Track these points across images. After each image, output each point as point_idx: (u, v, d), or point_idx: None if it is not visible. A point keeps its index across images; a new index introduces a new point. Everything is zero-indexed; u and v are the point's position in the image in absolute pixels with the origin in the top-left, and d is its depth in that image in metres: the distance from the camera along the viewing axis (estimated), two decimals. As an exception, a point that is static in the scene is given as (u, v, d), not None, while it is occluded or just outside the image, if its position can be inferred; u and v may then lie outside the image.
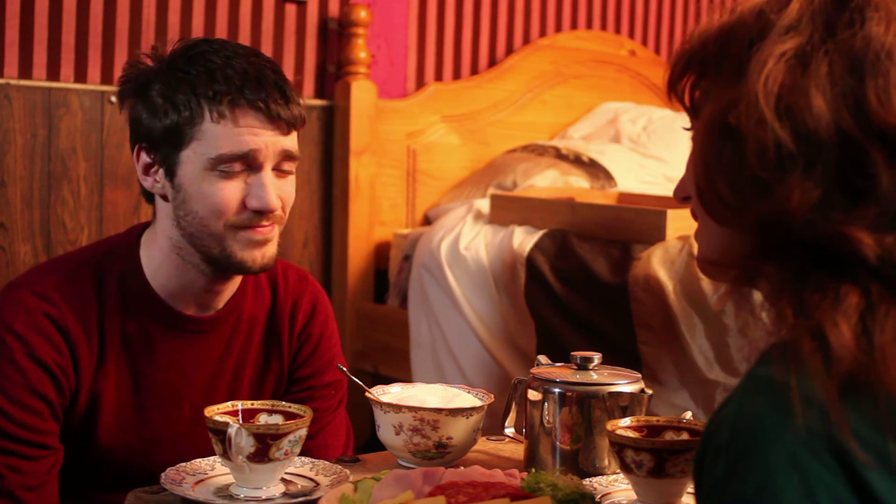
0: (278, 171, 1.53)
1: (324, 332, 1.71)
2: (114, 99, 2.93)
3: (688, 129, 1.04)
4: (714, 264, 1.02)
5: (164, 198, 1.54)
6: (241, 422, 1.32)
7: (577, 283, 2.66)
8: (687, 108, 1.02)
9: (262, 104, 1.49)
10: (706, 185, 0.94)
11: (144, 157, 1.54)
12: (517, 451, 1.56)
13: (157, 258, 1.56)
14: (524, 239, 2.82)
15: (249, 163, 1.50)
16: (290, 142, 1.53)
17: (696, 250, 1.05)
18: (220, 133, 1.48)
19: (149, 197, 1.59)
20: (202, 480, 1.35)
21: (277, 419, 1.36)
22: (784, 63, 0.89)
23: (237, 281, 1.62)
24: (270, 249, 1.55)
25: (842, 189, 0.87)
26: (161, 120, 1.50)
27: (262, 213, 1.51)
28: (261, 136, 1.50)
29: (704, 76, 0.99)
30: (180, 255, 1.55)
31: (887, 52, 0.89)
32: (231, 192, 1.50)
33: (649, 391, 1.43)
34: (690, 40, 1.01)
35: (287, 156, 1.53)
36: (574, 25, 3.91)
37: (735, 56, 0.94)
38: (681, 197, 1.05)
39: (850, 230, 0.86)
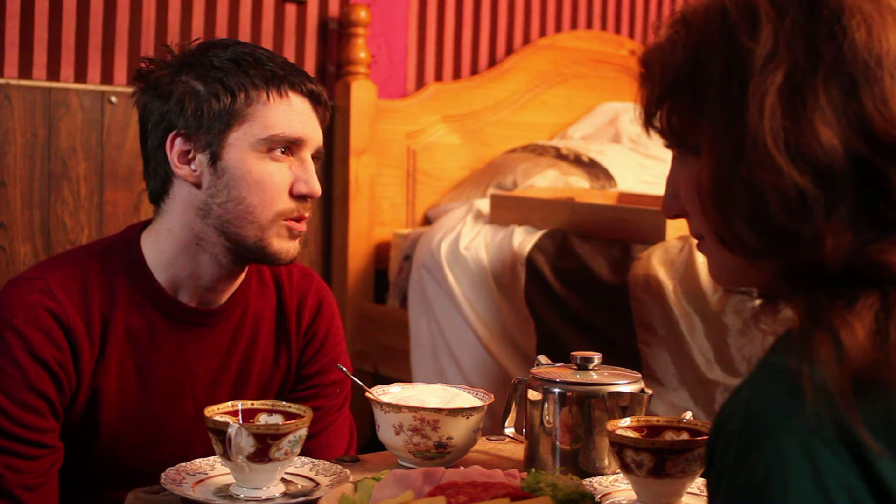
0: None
1: (329, 329, 1.72)
2: (114, 99, 2.93)
3: (668, 148, 1.00)
4: (731, 285, 1.01)
5: (198, 185, 1.53)
6: (241, 422, 1.32)
7: (577, 283, 2.65)
8: (665, 134, 0.98)
9: (314, 90, 1.55)
10: (729, 233, 0.91)
11: (181, 145, 1.52)
12: (517, 451, 1.56)
13: (167, 251, 1.56)
14: (524, 239, 2.82)
15: (295, 149, 1.54)
16: (321, 135, 1.59)
17: (696, 250, 1.04)
18: (275, 113, 1.52)
19: (157, 193, 1.58)
20: (202, 480, 1.35)
21: (277, 419, 1.36)
22: (781, 99, 0.86)
23: (243, 275, 1.62)
24: (298, 243, 1.59)
25: (870, 221, 0.86)
26: (209, 104, 1.50)
27: (306, 201, 1.55)
28: (309, 122, 1.55)
29: (678, 103, 0.95)
30: (201, 245, 1.55)
31: (876, 59, 0.86)
32: (280, 177, 1.53)
33: (649, 391, 1.44)
34: (650, 67, 0.97)
35: (319, 151, 1.58)
36: (574, 25, 3.91)
37: (715, 89, 0.90)
38: (672, 214, 1.02)
39: (885, 257, 0.85)
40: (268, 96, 1.51)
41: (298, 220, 1.55)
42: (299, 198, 1.54)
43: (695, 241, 1.03)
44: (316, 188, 1.55)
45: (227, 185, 1.52)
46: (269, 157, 1.52)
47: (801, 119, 0.86)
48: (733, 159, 0.89)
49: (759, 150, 0.87)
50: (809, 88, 0.86)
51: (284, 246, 1.55)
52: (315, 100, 1.56)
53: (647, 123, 0.99)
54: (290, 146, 1.53)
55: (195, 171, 1.53)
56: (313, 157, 1.57)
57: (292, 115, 1.53)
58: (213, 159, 1.52)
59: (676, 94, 0.96)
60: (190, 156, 1.52)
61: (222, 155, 1.51)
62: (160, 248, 1.56)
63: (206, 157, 1.52)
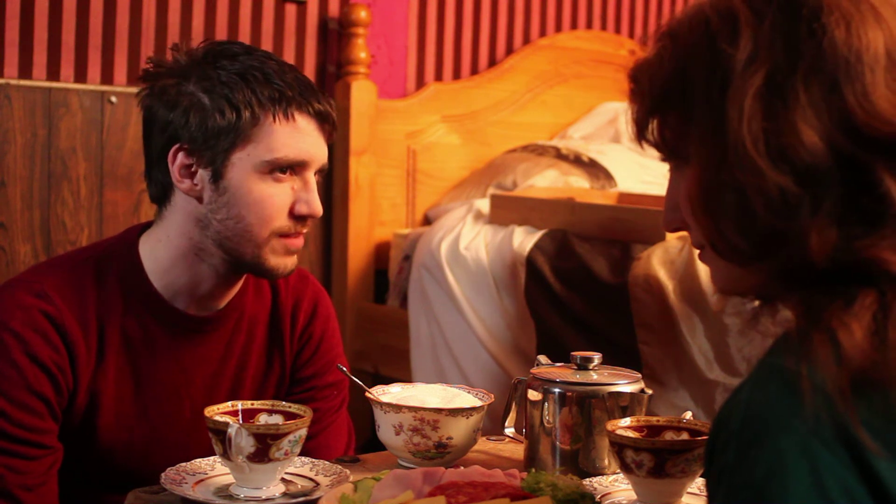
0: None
1: (325, 332, 1.71)
2: (114, 99, 2.93)
3: (664, 161, 1.01)
4: (732, 293, 1.01)
5: (199, 199, 1.52)
6: (241, 422, 1.32)
7: (577, 283, 2.65)
8: (659, 146, 0.99)
9: (321, 111, 1.53)
10: (719, 239, 0.92)
11: (183, 159, 1.51)
12: (517, 451, 1.56)
13: (165, 258, 1.56)
14: (524, 239, 2.82)
15: (298, 169, 1.53)
16: (326, 152, 1.57)
17: (696, 251, 1.04)
18: (280, 136, 1.50)
19: (158, 197, 1.57)
20: (202, 480, 1.35)
21: (277, 419, 1.36)
22: (760, 101, 0.87)
23: (241, 282, 1.62)
24: (295, 257, 1.57)
25: (857, 216, 0.86)
26: (213, 120, 1.48)
27: (305, 220, 1.54)
28: (314, 144, 1.53)
29: (668, 115, 0.97)
30: (199, 255, 1.55)
31: (856, 54, 0.87)
32: (281, 198, 1.52)
33: (649, 391, 1.44)
34: (639, 82, 0.98)
35: (323, 167, 1.57)
36: (574, 25, 3.91)
37: (700, 97, 0.91)
38: (673, 227, 1.03)
39: (874, 253, 0.85)
40: (274, 118, 1.49)
41: (296, 236, 1.55)
42: (299, 217, 1.54)
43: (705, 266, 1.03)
44: (317, 209, 1.54)
45: (228, 203, 1.51)
46: (271, 177, 1.51)
47: (781, 119, 0.86)
48: (717, 164, 0.89)
49: (739, 153, 0.87)
50: (790, 88, 0.87)
51: (281, 262, 1.55)
52: (322, 119, 1.54)
53: (640, 137, 1.00)
54: (294, 167, 1.52)
55: (196, 185, 1.52)
56: (318, 172, 1.56)
57: (297, 137, 1.51)
58: (216, 177, 1.51)
59: (666, 107, 0.96)
60: (192, 170, 1.51)
61: (225, 174, 1.50)
62: (158, 255, 1.56)
63: (208, 173, 1.51)
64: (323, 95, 1.55)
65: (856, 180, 0.86)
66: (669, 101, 0.95)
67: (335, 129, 1.58)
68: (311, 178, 1.55)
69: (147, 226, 1.60)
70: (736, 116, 0.87)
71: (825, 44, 0.87)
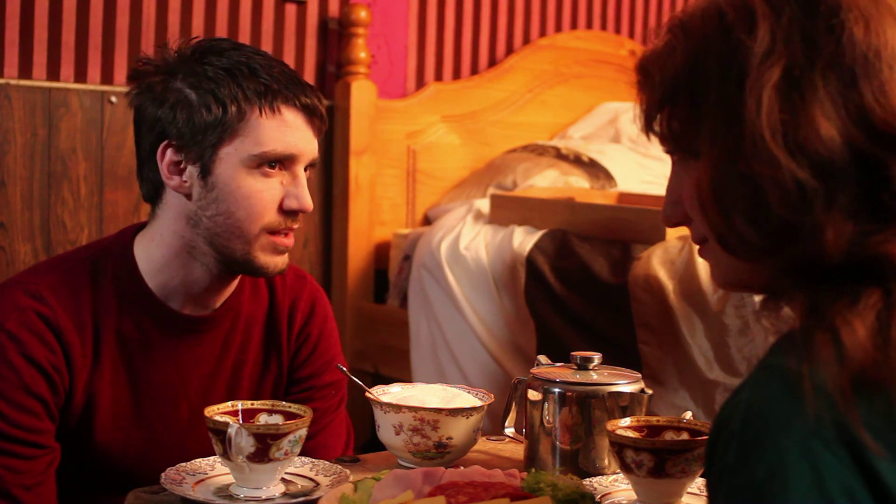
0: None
1: (323, 331, 1.71)
2: (114, 99, 2.93)
3: (668, 153, 1.01)
4: (734, 288, 1.01)
5: (188, 196, 1.52)
6: (241, 422, 1.32)
7: (577, 283, 2.66)
8: (666, 138, 0.99)
9: (308, 104, 1.52)
10: (728, 232, 0.92)
11: (172, 156, 1.51)
12: (517, 451, 1.56)
13: (158, 257, 1.55)
14: (524, 239, 2.82)
15: (287, 164, 1.52)
16: (316, 147, 1.56)
17: (696, 250, 1.04)
18: (267, 130, 1.49)
19: (150, 196, 1.57)
20: (202, 480, 1.35)
21: (277, 419, 1.36)
22: (778, 93, 0.87)
23: (237, 280, 1.62)
24: (287, 255, 1.57)
25: (871, 212, 0.86)
26: (200, 115, 1.48)
27: (296, 215, 1.53)
28: (302, 137, 1.53)
29: (678, 106, 0.96)
30: (192, 254, 1.54)
31: (874, 51, 0.87)
32: (270, 193, 1.51)
33: (649, 391, 1.43)
34: (648, 72, 0.98)
35: (313, 161, 1.56)
36: (574, 25, 3.91)
37: (714, 88, 0.91)
38: (674, 222, 1.02)
39: (887, 249, 0.85)
40: (260, 112, 1.49)
41: (286, 234, 1.54)
42: (288, 212, 1.53)
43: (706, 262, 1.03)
44: (307, 204, 1.53)
45: (217, 199, 1.51)
46: (259, 172, 1.50)
47: (799, 112, 0.87)
48: (732, 156, 0.89)
49: (756, 145, 0.87)
50: (808, 82, 0.87)
51: (272, 260, 1.54)
52: (310, 112, 1.53)
53: (648, 128, 1.00)
54: (283, 161, 1.52)
55: (185, 182, 1.51)
56: (308, 167, 1.56)
57: (285, 131, 1.50)
58: (204, 172, 1.50)
59: (676, 98, 0.96)
60: (181, 166, 1.51)
61: (213, 169, 1.50)
62: (151, 254, 1.56)
63: (196, 169, 1.50)
64: (311, 89, 1.54)
65: (871, 176, 0.86)
66: (679, 92, 0.95)
67: (325, 124, 1.57)
68: (301, 172, 1.54)
69: (143, 226, 1.60)
70: (754, 108, 0.87)
71: (844, 40, 0.87)
